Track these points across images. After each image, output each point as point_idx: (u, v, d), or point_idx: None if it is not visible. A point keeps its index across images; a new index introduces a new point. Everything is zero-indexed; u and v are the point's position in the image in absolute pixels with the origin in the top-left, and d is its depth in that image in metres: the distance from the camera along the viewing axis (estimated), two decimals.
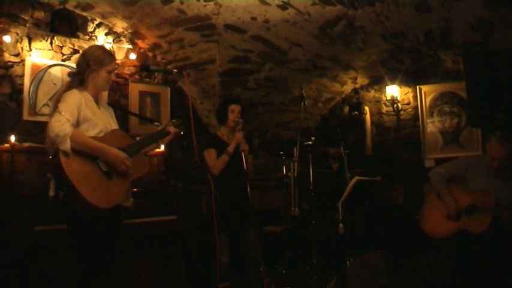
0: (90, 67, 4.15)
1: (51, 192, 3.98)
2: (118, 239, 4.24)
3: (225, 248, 5.72)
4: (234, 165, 5.74)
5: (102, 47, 4.66)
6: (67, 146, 3.74)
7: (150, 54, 7.40)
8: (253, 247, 5.79)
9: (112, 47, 6.87)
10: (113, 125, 4.33)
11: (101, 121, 4.17)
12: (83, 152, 3.86)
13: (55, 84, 6.23)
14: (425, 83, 8.54)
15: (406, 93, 8.75)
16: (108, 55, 4.30)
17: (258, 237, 5.84)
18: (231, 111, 5.95)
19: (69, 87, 4.12)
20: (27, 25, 6.16)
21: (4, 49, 5.99)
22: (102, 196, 3.87)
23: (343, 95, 9.31)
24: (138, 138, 4.57)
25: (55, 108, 3.89)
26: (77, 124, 3.95)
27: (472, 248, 5.18)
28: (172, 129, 4.56)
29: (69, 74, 4.30)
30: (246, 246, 5.85)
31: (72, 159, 3.80)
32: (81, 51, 6.00)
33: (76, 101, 3.98)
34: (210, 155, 5.87)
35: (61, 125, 3.75)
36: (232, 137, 5.85)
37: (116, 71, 4.40)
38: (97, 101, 4.26)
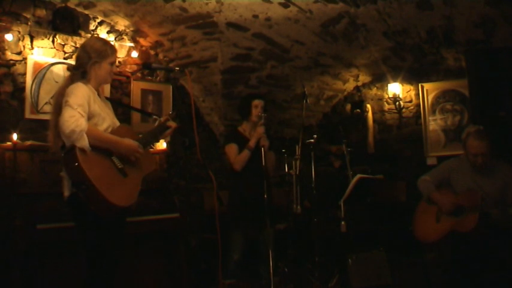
0: (92, 59, 4.08)
1: (66, 192, 3.90)
2: (122, 239, 4.17)
3: (237, 246, 5.69)
4: (253, 162, 5.71)
5: (102, 39, 4.60)
6: (85, 142, 3.68)
7: (152, 52, 7.39)
8: (268, 245, 5.75)
9: (114, 45, 6.85)
10: (115, 118, 4.28)
11: (108, 116, 4.13)
12: (97, 149, 3.81)
13: (57, 82, 6.19)
14: (428, 80, 8.53)
15: (408, 91, 8.74)
16: (110, 47, 4.24)
17: (274, 236, 5.84)
18: (255, 107, 5.90)
19: (72, 80, 4.03)
20: (29, 23, 6.16)
21: (6, 47, 5.99)
22: (120, 194, 3.82)
23: (345, 93, 9.29)
24: (141, 135, 4.54)
25: (65, 103, 3.78)
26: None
27: (464, 246, 5.21)
28: (171, 123, 4.50)
29: (69, 68, 4.22)
30: (261, 244, 5.80)
31: (90, 157, 3.72)
32: (78, 43, 5.98)
33: (85, 95, 3.89)
34: (232, 150, 5.85)
35: (76, 120, 3.66)
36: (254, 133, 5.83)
37: (118, 69, 4.36)
38: (99, 94, 4.19)
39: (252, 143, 5.73)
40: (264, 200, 5.47)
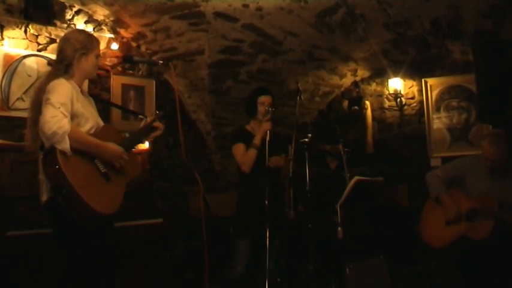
0: (78, 52, 4.04)
1: (45, 197, 3.85)
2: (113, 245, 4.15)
3: (243, 256, 5.60)
4: (260, 162, 5.61)
5: (84, 31, 4.62)
6: (66, 145, 3.62)
7: (134, 44, 7.35)
8: (274, 256, 5.69)
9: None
10: (99, 117, 4.23)
11: (92, 115, 4.09)
12: (80, 151, 3.75)
13: (30, 76, 6.16)
14: (432, 75, 8.53)
15: (411, 87, 8.74)
16: (94, 38, 4.23)
17: (283, 246, 5.79)
18: (261, 104, 5.80)
19: (54, 75, 3.97)
20: None
21: None
22: (104, 200, 3.79)
23: (342, 89, 9.28)
24: (127, 135, 4.49)
25: (46, 101, 3.72)
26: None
27: (476, 255, 5.17)
28: (158, 124, 4.46)
29: (50, 63, 4.18)
30: (266, 255, 5.53)
31: (71, 160, 3.67)
32: (59, 39, 5.93)
33: (68, 93, 3.84)
34: (239, 150, 5.75)
35: (58, 121, 3.60)
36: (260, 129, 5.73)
37: (101, 64, 4.32)
38: (82, 91, 4.15)
39: (257, 139, 5.63)
40: (277, 206, 5.45)
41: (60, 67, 4.04)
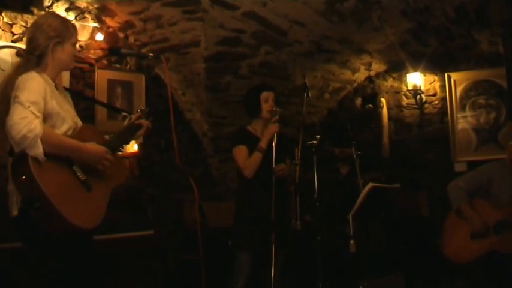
0: (51, 40, 3.90)
1: (15, 211, 3.71)
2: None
3: (244, 270, 5.60)
4: (265, 167, 5.63)
5: (58, 15, 4.43)
6: (39, 150, 3.48)
7: (121, 34, 7.33)
8: (279, 270, 5.69)
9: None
10: (76, 116, 4.10)
11: (68, 114, 3.96)
12: (55, 157, 3.62)
13: (3, 70, 6.10)
14: (456, 69, 8.54)
15: (432, 82, 8.75)
16: (70, 24, 4.11)
17: (287, 259, 5.79)
18: (264, 101, 5.82)
19: (25, 68, 3.83)
20: None
21: None
22: (84, 214, 3.68)
23: (355, 85, 9.29)
24: (110, 136, 4.42)
25: (15, 99, 3.59)
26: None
27: (506, 271, 5.16)
28: (143, 121, 4.40)
29: (20, 53, 4.09)
30: (270, 268, 5.51)
31: (45, 168, 3.54)
32: (30, 24, 5.91)
33: (41, 89, 3.71)
34: (241, 153, 5.76)
35: (28, 122, 3.47)
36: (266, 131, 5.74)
37: (79, 54, 4.28)
38: (56, 85, 4.01)
39: (263, 143, 5.64)
40: (281, 215, 5.49)
41: (31, 58, 3.89)
